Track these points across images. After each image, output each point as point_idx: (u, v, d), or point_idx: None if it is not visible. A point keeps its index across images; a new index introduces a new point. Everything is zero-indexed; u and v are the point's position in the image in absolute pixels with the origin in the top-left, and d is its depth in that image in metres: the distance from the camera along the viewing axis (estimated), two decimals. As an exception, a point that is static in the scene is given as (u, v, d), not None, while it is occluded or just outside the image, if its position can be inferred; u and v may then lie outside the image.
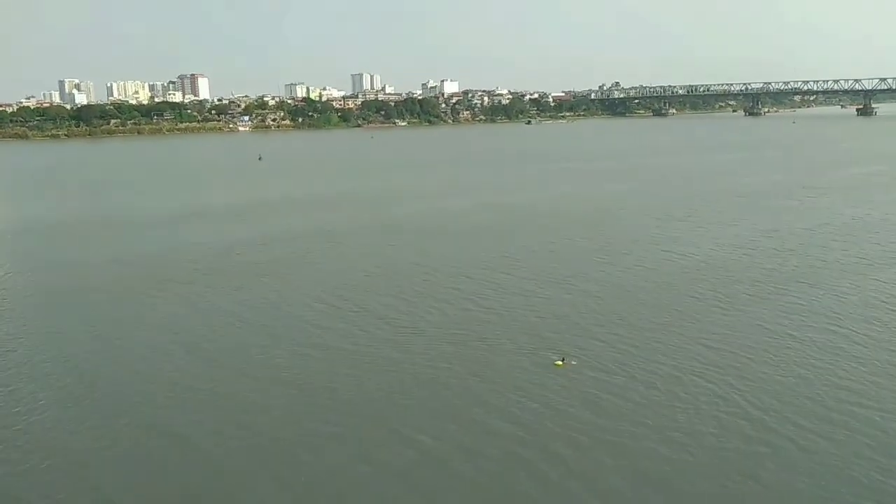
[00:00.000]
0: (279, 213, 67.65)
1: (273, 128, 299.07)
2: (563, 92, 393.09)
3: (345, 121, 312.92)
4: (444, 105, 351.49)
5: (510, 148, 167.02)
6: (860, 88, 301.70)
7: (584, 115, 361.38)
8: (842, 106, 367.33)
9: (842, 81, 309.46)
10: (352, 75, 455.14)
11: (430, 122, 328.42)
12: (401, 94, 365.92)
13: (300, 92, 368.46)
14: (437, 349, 28.80)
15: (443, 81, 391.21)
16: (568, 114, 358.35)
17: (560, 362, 26.99)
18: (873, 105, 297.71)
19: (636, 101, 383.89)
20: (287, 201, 76.59)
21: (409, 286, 38.61)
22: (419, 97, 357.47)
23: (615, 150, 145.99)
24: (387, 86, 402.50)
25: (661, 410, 22.88)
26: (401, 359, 27.88)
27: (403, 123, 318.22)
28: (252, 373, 26.93)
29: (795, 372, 25.68)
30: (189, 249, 50.59)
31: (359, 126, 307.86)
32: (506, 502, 18.50)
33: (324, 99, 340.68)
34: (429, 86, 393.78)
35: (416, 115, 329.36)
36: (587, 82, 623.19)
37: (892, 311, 32.31)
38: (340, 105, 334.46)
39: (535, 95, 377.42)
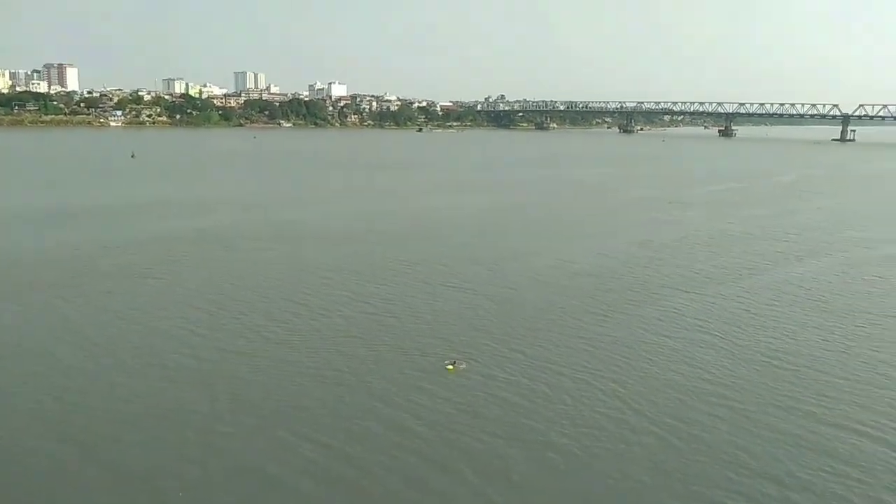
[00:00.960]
0: (154, 215, 64.21)
1: (148, 124, 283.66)
2: (450, 101, 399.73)
3: (226, 119, 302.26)
4: (331, 108, 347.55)
5: (405, 154, 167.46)
6: (722, 111, 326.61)
7: (470, 126, 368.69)
8: (705, 127, 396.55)
9: (706, 104, 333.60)
10: (235, 73, 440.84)
11: (316, 124, 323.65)
12: (286, 95, 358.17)
13: (179, 88, 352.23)
14: (325, 356, 28.30)
15: (330, 84, 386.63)
16: (455, 123, 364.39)
17: (451, 367, 27.31)
18: (733, 127, 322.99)
19: (520, 114, 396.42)
20: (163, 202, 72.80)
21: (293, 292, 37.72)
22: (305, 99, 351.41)
23: (506, 161, 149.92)
24: (272, 85, 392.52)
25: (546, 410, 23.71)
26: (288, 367, 27.17)
27: (288, 125, 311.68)
28: (124, 383, 25.38)
29: (669, 368, 27.41)
30: (51, 252, 47.05)
31: (241, 125, 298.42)
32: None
33: (204, 96, 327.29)
34: (316, 88, 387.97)
35: (301, 117, 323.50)
36: (474, 93, 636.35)
37: (752, 314, 35.22)
38: (222, 103, 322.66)
39: (424, 103, 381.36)
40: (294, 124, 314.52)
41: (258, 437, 21.55)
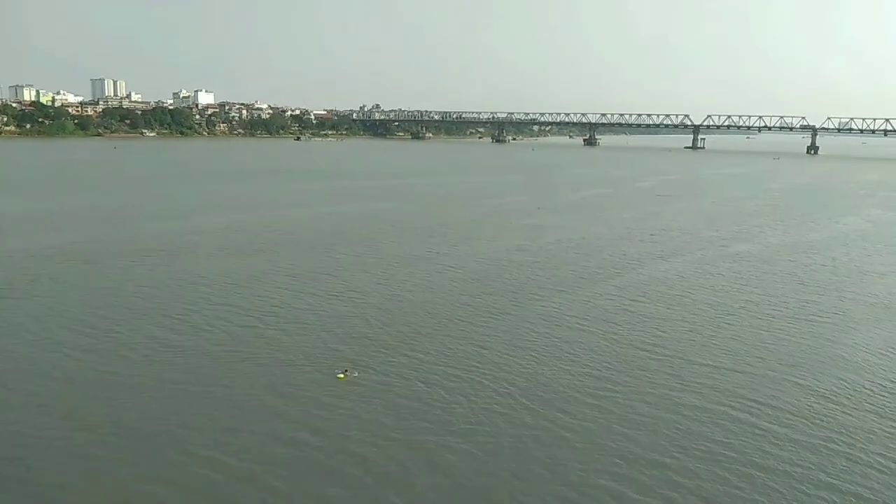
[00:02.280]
0: (7, 232, 59.19)
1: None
2: (325, 110, 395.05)
3: (83, 129, 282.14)
4: (198, 116, 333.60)
5: (280, 164, 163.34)
6: (587, 122, 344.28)
7: (346, 134, 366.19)
8: (570, 136, 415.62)
9: (572, 115, 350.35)
10: (92, 80, 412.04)
11: (182, 133, 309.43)
12: (149, 103, 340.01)
13: (29, 95, 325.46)
14: (209, 373, 27.49)
15: (197, 92, 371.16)
16: (330, 132, 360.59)
17: (342, 375, 27.29)
18: (597, 136, 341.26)
19: (396, 123, 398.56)
20: (16, 216, 67.25)
21: (169, 308, 36.20)
22: (170, 107, 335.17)
23: (386, 169, 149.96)
24: (133, 93, 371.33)
25: (441, 412, 24.31)
26: (170, 386, 26.14)
27: (152, 134, 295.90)
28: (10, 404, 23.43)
29: (555, 365, 28.84)
30: None
31: (99, 135, 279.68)
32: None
33: (58, 104, 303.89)
34: (181, 95, 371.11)
35: (166, 126, 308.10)
36: (349, 102, 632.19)
37: (625, 310, 37.68)
38: (78, 111, 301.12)
39: (297, 112, 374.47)
40: (158, 133, 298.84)
41: (142, 461, 20.60)
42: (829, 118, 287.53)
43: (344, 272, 45.41)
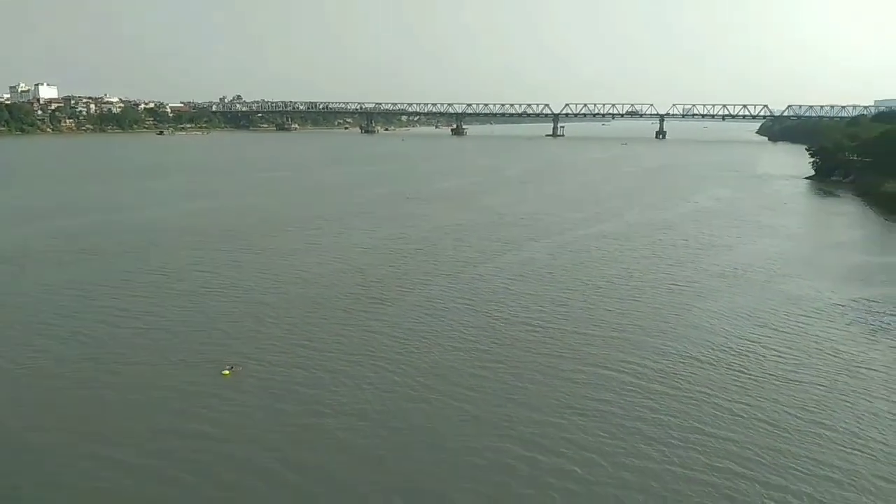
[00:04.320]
0: None
1: None
2: (181, 103, 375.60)
3: None
4: (40, 112, 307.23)
5: (137, 160, 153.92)
6: (453, 112, 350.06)
7: (206, 127, 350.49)
8: (436, 126, 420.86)
9: (439, 105, 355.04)
10: None
11: (22, 130, 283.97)
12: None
13: None
14: (96, 372, 26.73)
15: (38, 85, 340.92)
16: (189, 125, 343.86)
17: (227, 371, 27.11)
18: (464, 126, 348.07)
19: (259, 114, 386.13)
20: None
21: (37, 312, 34.35)
22: (7, 102, 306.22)
23: (249, 163, 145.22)
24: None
25: (330, 397, 24.98)
26: (59, 385, 25.51)
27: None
28: None
29: (440, 345, 30.15)
30: None
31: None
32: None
33: None
34: (20, 89, 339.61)
35: (3, 123, 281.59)
36: (207, 94, 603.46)
37: (505, 289, 39.71)
38: None
39: (151, 105, 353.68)
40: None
41: (29, 469, 19.74)
42: (674, 105, 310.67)
43: (220, 269, 44.42)
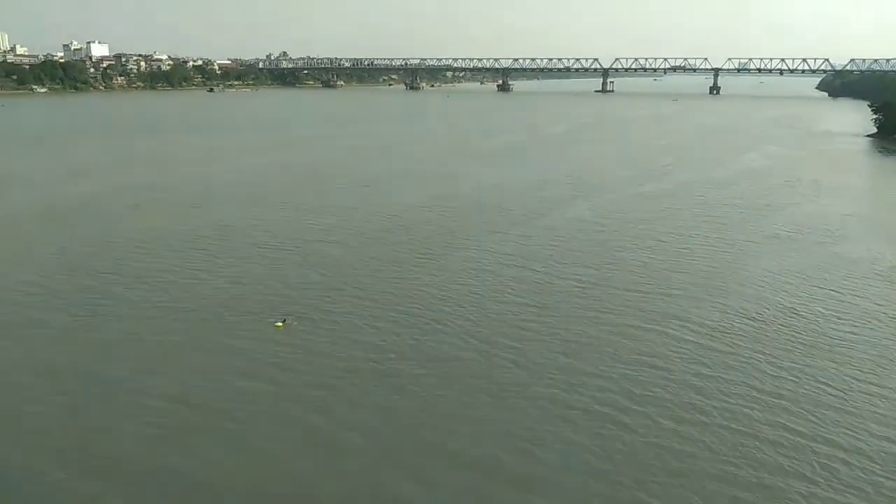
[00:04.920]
0: None
1: None
2: (229, 60, 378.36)
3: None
4: (93, 70, 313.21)
5: (208, 117, 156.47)
6: (499, 67, 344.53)
7: (254, 84, 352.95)
8: (481, 82, 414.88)
9: (485, 61, 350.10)
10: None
11: (76, 88, 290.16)
12: (37, 57, 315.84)
13: None
14: (153, 324, 27.71)
15: (89, 43, 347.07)
16: (236, 82, 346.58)
17: (280, 324, 27.81)
18: (510, 82, 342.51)
19: (305, 71, 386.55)
20: None
21: (99, 264, 35.78)
22: (61, 60, 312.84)
23: (305, 120, 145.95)
24: (18, 46, 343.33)
25: (377, 348, 25.50)
26: (124, 331, 26.66)
27: (43, 90, 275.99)
28: None
29: (492, 299, 30.24)
30: None
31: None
32: (246, 451, 19.10)
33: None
34: (73, 48, 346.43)
35: (58, 81, 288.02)
36: (254, 51, 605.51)
37: (552, 247, 39.35)
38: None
39: (200, 62, 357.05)
40: (50, 89, 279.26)
41: (102, 404, 20.84)
42: (729, 59, 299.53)
43: (272, 224, 45.31)
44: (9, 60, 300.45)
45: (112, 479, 17.79)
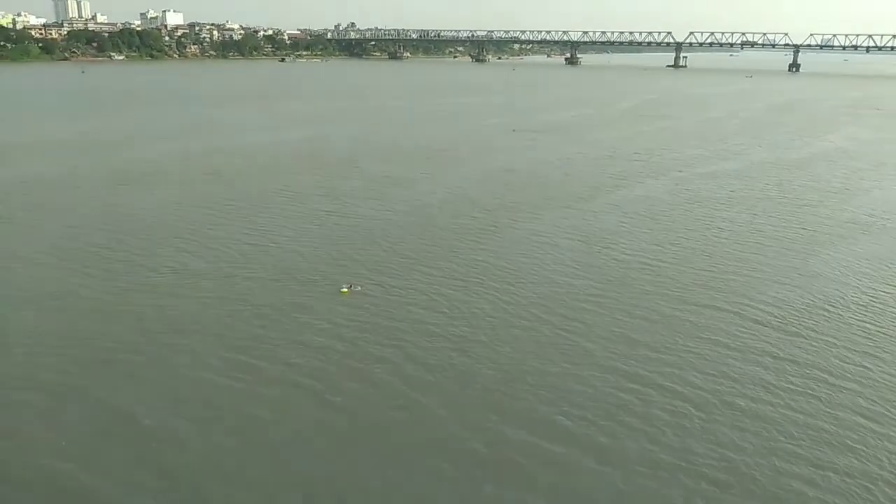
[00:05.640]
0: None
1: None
2: (297, 30, 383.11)
3: (48, 53, 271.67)
4: (168, 38, 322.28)
5: (291, 86, 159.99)
6: (567, 40, 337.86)
7: (323, 55, 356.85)
8: (548, 55, 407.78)
9: (553, 33, 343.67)
10: (55, 0, 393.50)
11: (152, 56, 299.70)
12: (116, 25, 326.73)
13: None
14: (226, 286, 28.71)
15: (165, 12, 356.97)
16: (305, 53, 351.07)
17: (346, 290, 28.38)
18: (578, 55, 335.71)
19: (372, 42, 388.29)
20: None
21: (177, 229, 37.14)
22: (138, 28, 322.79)
23: (374, 90, 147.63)
24: (98, 14, 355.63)
25: (439, 319, 25.64)
26: (193, 294, 27.55)
27: (121, 57, 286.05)
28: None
29: (559, 273, 30.12)
30: None
31: (66, 59, 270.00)
32: (301, 420, 19.65)
33: (19, 27, 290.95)
34: (149, 16, 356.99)
35: (135, 49, 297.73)
36: (323, 21, 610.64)
37: (617, 226, 38.83)
38: (41, 34, 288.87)
39: (270, 32, 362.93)
40: (127, 57, 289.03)
41: (168, 363, 21.81)
42: (811, 35, 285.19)
43: (338, 193, 46.09)
44: (90, 28, 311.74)
45: (212, 423, 18.65)
